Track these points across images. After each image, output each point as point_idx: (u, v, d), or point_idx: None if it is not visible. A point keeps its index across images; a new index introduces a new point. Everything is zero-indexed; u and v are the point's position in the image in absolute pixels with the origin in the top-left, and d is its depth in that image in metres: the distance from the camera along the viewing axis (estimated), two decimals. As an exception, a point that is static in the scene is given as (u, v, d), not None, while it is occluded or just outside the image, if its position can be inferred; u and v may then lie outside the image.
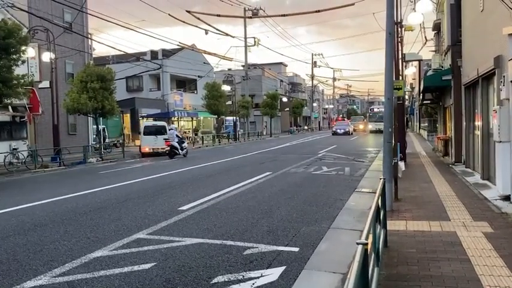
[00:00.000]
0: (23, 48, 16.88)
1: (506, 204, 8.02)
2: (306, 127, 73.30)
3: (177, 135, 23.40)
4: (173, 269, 5.26)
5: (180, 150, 22.53)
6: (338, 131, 47.94)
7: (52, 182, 14.42)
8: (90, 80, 22.00)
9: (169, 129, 24.28)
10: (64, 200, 10.27)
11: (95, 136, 28.24)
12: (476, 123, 12.61)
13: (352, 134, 48.83)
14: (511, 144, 8.19)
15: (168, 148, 22.88)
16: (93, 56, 31.00)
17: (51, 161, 19.87)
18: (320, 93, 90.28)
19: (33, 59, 20.85)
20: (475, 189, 9.92)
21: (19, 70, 17.14)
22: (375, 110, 57.09)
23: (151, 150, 23.88)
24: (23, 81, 17.03)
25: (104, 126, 29.95)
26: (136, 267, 5.31)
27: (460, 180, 11.59)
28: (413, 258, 5.21)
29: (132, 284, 4.83)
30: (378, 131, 47.37)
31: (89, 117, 25.75)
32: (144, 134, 24.24)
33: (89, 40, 28.98)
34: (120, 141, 29.74)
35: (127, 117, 37.90)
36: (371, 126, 53.03)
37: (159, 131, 24.12)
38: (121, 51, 39.79)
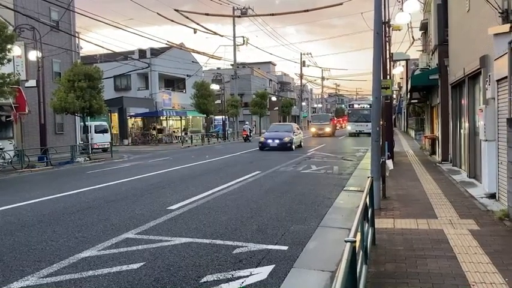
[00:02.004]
0: (9, 46, 16.65)
1: (492, 202, 8.14)
2: None
3: (249, 128, 40.26)
4: (162, 268, 5.24)
5: (250, 138, 38.97)
6: (269, 141, 25.46)
7: (39, 182, 14.26)
8: (77, 79, 21.75)
9: (245, 124, 43.54)
10: (51, 200, 10.18)
11: (84, 135, 28.09)
12: (462, 122, 12.77)
13: (300, 146, 27.10)
14: (496, 143, 8.30)
15: (245, 136, 38.96)
16: (81, 54, 30.72)
17: (38, 161, 19.64)
18: (309, 93, 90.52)
19: (19, 57, 20.57)
20: (462, 188, 10.04)
21: (5, 69, 16.90)
22: (355, 106, 45.78)
23: (99, 146, 28.10)
24: (8, 80, 16.80)
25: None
26: (125, 267, 5.29)
27: (446, 179, 11.73)
28: (401, 256, 5.27)
29: (120, 283, 4.81)
30: (359, 134, 41.39)
31: (77, 117, 25.51)
32: (96, 132, 28.30)
33: (77, 39, 28.68)
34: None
35: (115, 117, 37.63)
36: (350, 127, 43.61)
37: (104, 130, 29.31)
38: (109, 50, 39.33)
